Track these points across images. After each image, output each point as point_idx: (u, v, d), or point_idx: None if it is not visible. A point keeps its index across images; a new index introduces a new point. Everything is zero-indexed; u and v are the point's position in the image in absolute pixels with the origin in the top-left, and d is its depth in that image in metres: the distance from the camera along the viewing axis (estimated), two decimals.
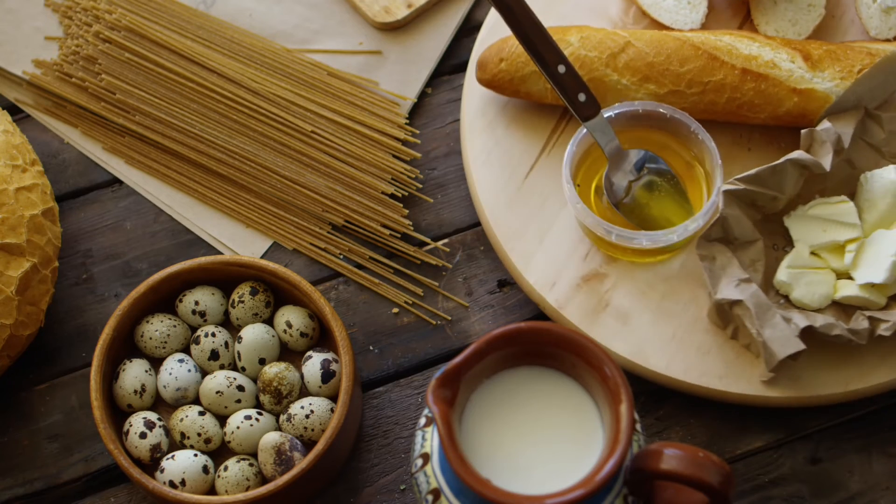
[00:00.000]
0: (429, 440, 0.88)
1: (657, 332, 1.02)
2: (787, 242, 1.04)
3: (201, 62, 1.16)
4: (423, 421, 0.90)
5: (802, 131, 1.03)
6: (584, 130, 1.03)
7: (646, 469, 0.83)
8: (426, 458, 0.87)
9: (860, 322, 0.98)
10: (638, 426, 0.88)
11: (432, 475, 0.86)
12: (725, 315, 1.00)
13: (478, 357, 0.84)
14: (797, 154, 1.01)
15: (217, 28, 1.19)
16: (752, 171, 1.01)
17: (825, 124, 1.02)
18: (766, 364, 0.98)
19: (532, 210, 1.07)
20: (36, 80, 1.17)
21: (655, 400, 1.03)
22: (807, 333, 0.98)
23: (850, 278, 1.01)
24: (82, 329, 1.08)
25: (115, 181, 1.15)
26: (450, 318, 1.08)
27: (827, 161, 1.01)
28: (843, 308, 1.01)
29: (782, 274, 1.01)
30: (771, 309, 0.98)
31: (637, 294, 1.04)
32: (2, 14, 1.20)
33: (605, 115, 1.03)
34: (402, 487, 1.02)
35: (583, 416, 0.86)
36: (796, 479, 1.01)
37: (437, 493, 0.86)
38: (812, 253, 1.02)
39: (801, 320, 0.98)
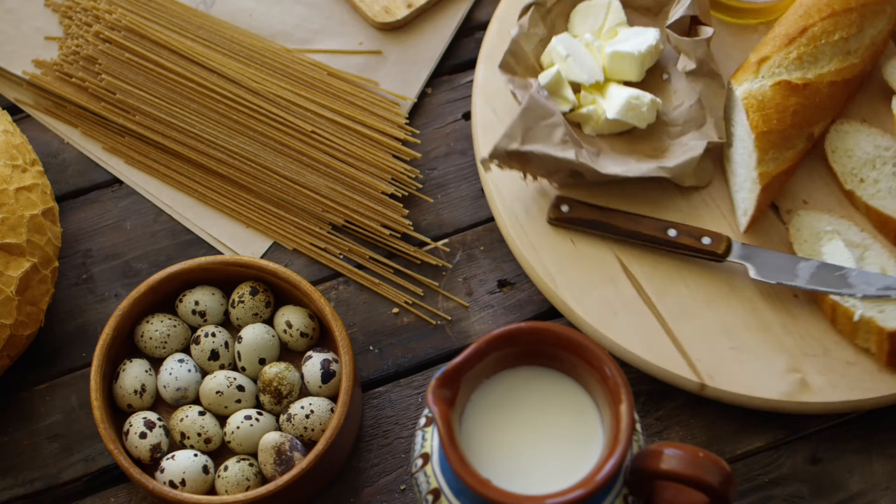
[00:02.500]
0: (429, 440, 0.88)
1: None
2: None
3: (201, 62, 1.16)
4: (423, 421, 0.90)
5: None
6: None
7: (646, 469, 0.83)
8: (426, 458, 0.87)
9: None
10: (638, 426, 0.88)
11: (432, 475, 0.86)
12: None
13: (478, 357, 0.84)
14: None
15: (217, 28, 1.19)
16: None
17: None
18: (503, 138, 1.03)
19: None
20: (36, 80, 1.17)
21: (655, 400, 1.03)
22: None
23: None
24: (82, 329, 1.08)
25: (115, 181, 1.15)
26: (450, 318, 1.08)
27: None
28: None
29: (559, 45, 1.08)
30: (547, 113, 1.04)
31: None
32: (2, 14, 1.20)
33: None
34: (402, 487, 1.02)
35: (583, 416, 0.86)
36: (796, 479, 1.01)
37: (437, 493, 0.86)
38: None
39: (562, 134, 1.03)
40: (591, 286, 1.04)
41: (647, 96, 1.06)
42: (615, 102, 1.07)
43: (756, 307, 1.03)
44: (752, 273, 1.02)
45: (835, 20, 1.05)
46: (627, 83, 1.10)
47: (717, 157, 1.09)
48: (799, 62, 1.04)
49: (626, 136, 1.09)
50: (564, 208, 1.05)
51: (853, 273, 1.01)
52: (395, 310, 1.08)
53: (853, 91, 1.09)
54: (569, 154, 1.03)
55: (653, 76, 1.11)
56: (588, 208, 1.05)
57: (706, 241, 1.03)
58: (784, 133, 1.03)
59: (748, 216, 1.04)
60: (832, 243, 1.03)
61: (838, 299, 1.00)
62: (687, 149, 1.06)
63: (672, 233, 1.04)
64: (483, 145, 1.10)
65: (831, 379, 1.00)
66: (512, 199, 1.07)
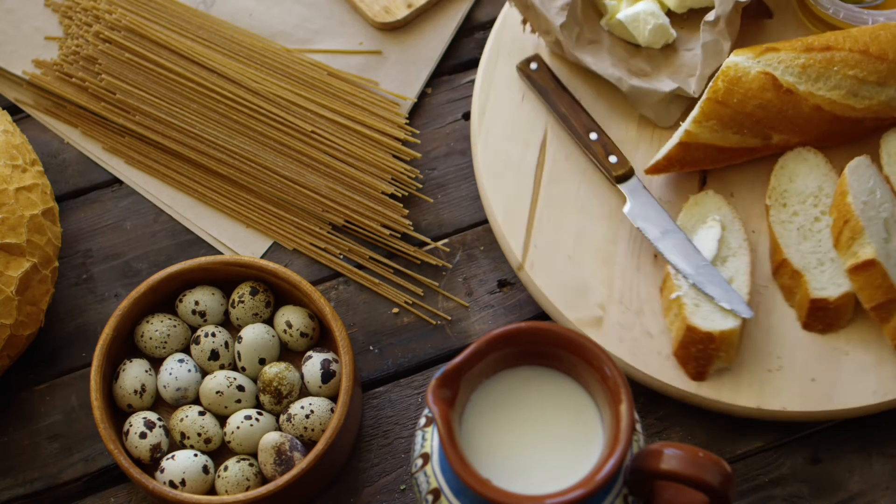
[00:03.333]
0: (429, 440, 0.88)
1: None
2: None
3: (201, 62, 1.16)
4: (423, 421, 0.90)
5: None
6: None
7: (646, 469, 0.83)
8: (426, 458, 0.87)
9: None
10: (638, 426, 0.88)
11: (432, 475, 0.86)
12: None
13: (478, 357, 0.84)
14: None
15: (217, 28, 1.19)
16: None
17: None
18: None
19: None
20: (36, 80, 1.17)
21: (655, 400, 1.03)
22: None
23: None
24: (82, 329, 1.08)
25: (115, 181, 1.15)
26: (450, 318, 1.08)
27: None
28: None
29: None
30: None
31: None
32: (2, 14, 1.20)
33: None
34: (402, 487, 1.02)
35: (583, 416, 0.86)
36: (796, 479, 1.01)
37: (437, 493, 0.86)
38: None
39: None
40: (507, 137, 1.10)
41: (656, 21, 1.09)
42: (631, 10, 1.10)
43: (615, 241, 1.06)
44: (626, 208, 1.05)
45: (862, 59, 1.03)
46: (667, 10, 1.13)
47: (689, 110, 1.10)
48: (801, 71, 1.03)
49: (631, 47, 1.12)
50: (533, 66, 1.11)
51: (700, 260, 1.01)
52: (395, 310, 1.08)
53: (840, 134, 1.06)
54: (557, 21, 1.08)
55: (695, 15, 1.13)
56: (549, 77, 1.11)
57: (613, 159, 1.07)
58: (737, 116, 1.03)
59: (655, 160, 1.06)
60: (709, 230, 1.03)
61: (672, 272, 1.01)
62: (660, 84, 1.08)
63: (593, 136, 1.08)
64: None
65: (625, 335, 1.02)
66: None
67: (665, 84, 1.09)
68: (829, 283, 1.00)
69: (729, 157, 1.06)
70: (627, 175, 1.06)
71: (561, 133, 1.10)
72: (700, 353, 0.98)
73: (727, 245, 1.03)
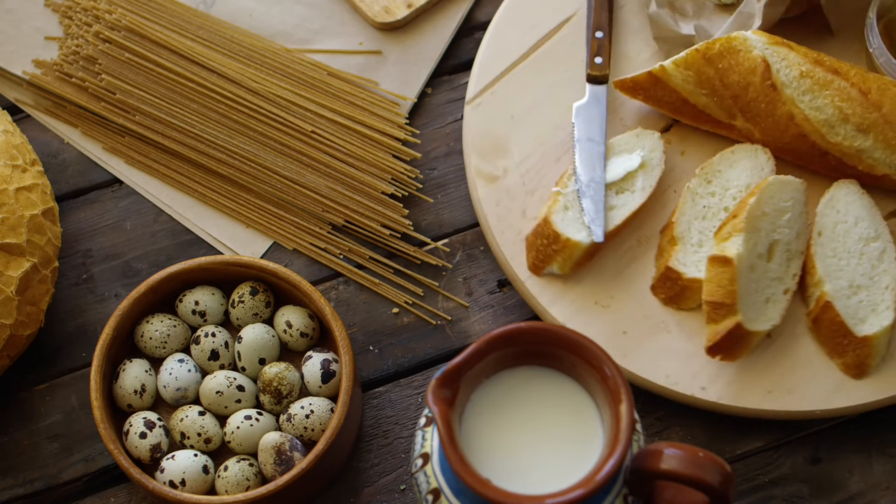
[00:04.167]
0: (429, 440, 0.88)
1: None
2: None
3: (201, 62, 1.16)
4: (423, 421, 0.90)
5: None
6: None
7: (646, 469, 0.83)
8: (426, 458, 0.87)
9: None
10: (638, 426, 0.88)
11: (432, 475, 0.86)
12: None
13: (478, 357, 0.84)
14: None
15: (217, 28, 1.19)
16: None
17: None
18: None
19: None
20: (36, 80, 1.17)
21: (655, 400, 1.03)
22: None
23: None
24: (82, 329, 1.08)
25: (115, 181, 1.15)
26: (450, 318, 1.08)
27: None
28: None
29: None
30: None
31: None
32: (2, 14, 1.20)
33: None
34: (402, 487, 1.02)
35: (583, 416, 0.86)
36: (796, 479, 1.01)
37: (437, 493, 0.86)
38: None
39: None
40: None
41: None
42: None
43: (557, 128, 1.10)
44: (577, 103, 1.09)
45: (858, 98, 1.02)
46: None
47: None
48: (797, 76, 1.02)
49: None
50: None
51: (597, 176, 1.04)
52: (395, 310, 1.08)
53: (801, 154, 1.05)
54: None
55: None
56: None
57: (598, 60, 1.11)
58: (715, 81, 1.04)
59: (625, 76, 1.08)
60: (627, 159, 1.06)
61: (570, 172, 1.05)
62: (684, 24, 1.12)
63: (599, 34, 1.12)
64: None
65: (504, 201, 1.08)
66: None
67: (687, 28, 1.10)
68: (692, 263, 1.02)
69: (691, 115, 1.07)
70: (600, 80, 1.10)
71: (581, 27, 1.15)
72: (543, 247, 1.03)
73: (633, 181, 1.06)
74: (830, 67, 1.03)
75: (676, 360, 1.01)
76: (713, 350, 0.98)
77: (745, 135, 1.06)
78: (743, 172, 1.05)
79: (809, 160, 1.05)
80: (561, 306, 1.03)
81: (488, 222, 1.06)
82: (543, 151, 1.09)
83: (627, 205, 1.04)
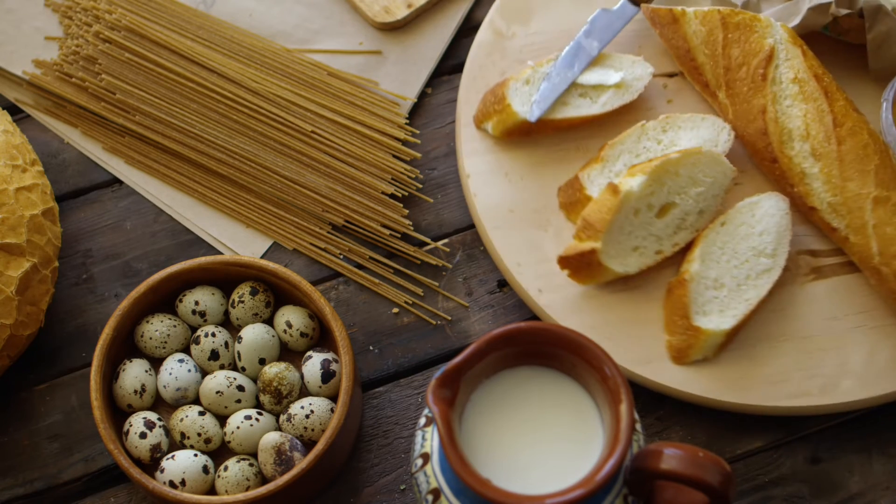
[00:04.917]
0: (429, 440, 0.88)
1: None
2: None
3: (201, 62, 1.16)
4: (423, 421, 0.90)
5: None
6: None
7: (646, 469, 0.83)
8: (426, 458, 0.87)
9: None
10: (638, 426, 0.88)
11: (432, 475, 0.86)
12: None
13: (478, 357, 0.84)
14: None
15: (217, 28, 1.19)
16: None
17: None
18: None
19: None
20: (36, 80, 1.17)
21: (655, 400, 1.03)
22: None
23: None
24: (82, 329, 1.08)
25: (115, 181, 1.15)
26: (450, 318, 1.08)
27: None
28: None
29: None
30: None
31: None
32: (2, 14, 1.20)
33: None
34: (402, 487, 1.02)
35: (583, 416, 0.86)
36: (796, 479, 1.01)
37: (437, 493, 0.86)
38: None
39: None
40: None
41: None
42: None
43: (583, 24, 1.14)
44: (608, 7, 1.13)
45: (830, 133, 1.02)
46: None
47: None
48: (791, 77, 1.03)
49: None
50: None
51: (570, 72, 1.09)
52: (395, 310, 1.08)
53: (757, 152, 1.05)
54: None
55: None
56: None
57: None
58: (716, 38, 1.06)
59: (652, 5, 1.12)
60: (609, 71, 1.10)
61: (553, 57, 1.10)
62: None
63: None
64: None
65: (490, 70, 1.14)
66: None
67: None
68: (598, 184, 1.07)
69: (689, 69, 1.10)
70: (638, 2, 1.14)
71: None
72: (490, 104, 1.09)
73: (600, 93, 1.10)
74: (824, 87, 1.03)
75: (533, 256, 1.05)
76: (563, 262, 1.02)
77: (722, 110, 1.08)
78: (697, 138, 1.07)
79: (761, 160, 1.06)
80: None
81: (472, 68, 1.13)
82: (557, 36, 1.14)
83: (580, 109, 1.09)
